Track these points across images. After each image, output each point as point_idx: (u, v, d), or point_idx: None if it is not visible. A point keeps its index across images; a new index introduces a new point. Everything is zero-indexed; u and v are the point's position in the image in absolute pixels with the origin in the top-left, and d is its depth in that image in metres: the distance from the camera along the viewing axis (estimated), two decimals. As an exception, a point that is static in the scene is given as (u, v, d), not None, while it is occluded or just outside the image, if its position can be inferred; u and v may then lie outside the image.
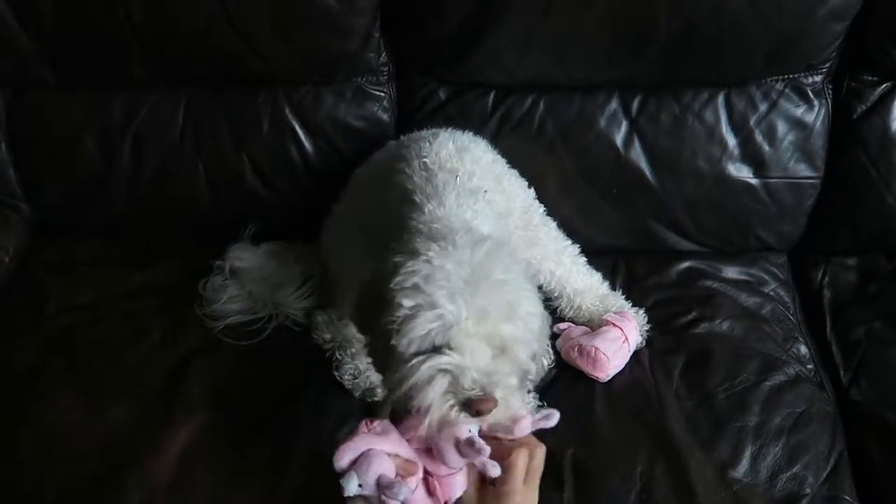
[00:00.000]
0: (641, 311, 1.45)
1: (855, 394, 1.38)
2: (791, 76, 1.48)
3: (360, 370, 1.38)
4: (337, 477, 1.02)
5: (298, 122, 1.55)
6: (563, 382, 1.36)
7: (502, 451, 0.95)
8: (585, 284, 1.46)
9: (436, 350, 0.93)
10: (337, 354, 1.41)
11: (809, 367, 1.41)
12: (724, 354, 1.39)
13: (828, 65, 1.47)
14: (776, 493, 1.22)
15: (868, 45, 1.44)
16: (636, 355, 1.40)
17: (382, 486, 0.92)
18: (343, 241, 1.46)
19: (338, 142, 1.57)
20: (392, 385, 0.99)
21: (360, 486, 0.93)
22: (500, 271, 0.95)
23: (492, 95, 1.54)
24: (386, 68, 1.55)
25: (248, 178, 1.59)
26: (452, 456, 0.95)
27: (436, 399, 0.93)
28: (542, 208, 1.45)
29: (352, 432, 0.96)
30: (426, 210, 1.15)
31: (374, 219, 1.35)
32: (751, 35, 1.40)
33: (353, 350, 1.40)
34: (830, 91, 1.50)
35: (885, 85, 1.47)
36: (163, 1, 1.43)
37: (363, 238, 1.37)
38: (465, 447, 0.93)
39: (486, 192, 1.24)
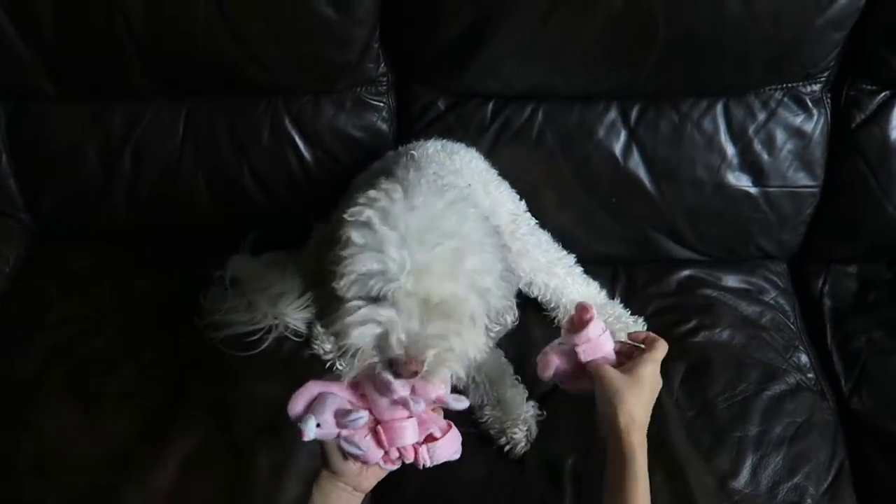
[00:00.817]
0: (641, 320, 1.45)
1: (856, 403, 1.37)
2: (790, 85, 1.49)
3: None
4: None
5: (298, 131, 1.56)
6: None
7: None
8: (582, 294, 1.46)
9: (373, 300, 0.92)
10: (337, 364, 1.41)
11: (810, 376, 1.40)
12: (725, 363, 1.39)
13: (826, 73, 1.47)
14: (777, 504, 1.22)
15: (866, 53, 1.44)
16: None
17: (339, 416, 0.93)
18: None
19: (337, 151, 1.57)
20: (328, 325, 0.99)
21: (318, 425, 0.93)
22: (454, 222, 0.93)
23: (491, 105, 1.54)
24: (385, 78, 1.55)
25: (247, 187, 1.59)
26: (380, 401, 0.95)
27: (363, 349, 0.93)
28: (532, 220, 1.44)
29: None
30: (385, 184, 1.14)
31: None
32: (749, 44, 1.40)
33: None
34: (829, 100, 1.50)
35: (883, 94, 1.47)
36: (163, 12, 1.43)
37: None
38: (380, 385, 0.93)
39: (469, 185, 1.23)
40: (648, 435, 1.28)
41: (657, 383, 1.06)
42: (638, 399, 1.02)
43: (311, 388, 0.96)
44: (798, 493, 1.23)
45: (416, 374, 0.92)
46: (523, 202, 1.44)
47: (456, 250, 0.92)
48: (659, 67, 1.44)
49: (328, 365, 1.43)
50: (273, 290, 1.51)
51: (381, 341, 0.92)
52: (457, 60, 1.48)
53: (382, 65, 1.53)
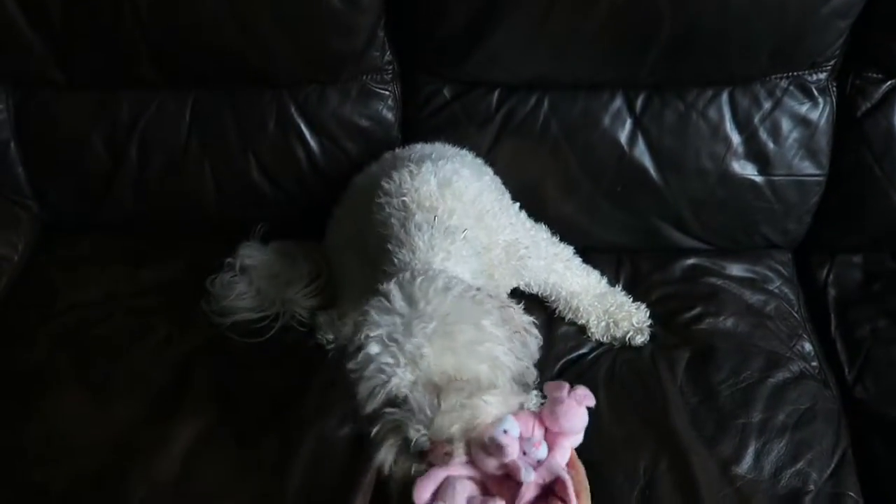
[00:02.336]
0: (643, 307, 1.45)
1: (859, 391, 1.37)
2: (795, 74, 1.48)
3: None
4: (343, 481, 1.03)
5: (304, 120, 1.56)
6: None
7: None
8: (581, 285, 1.46)
9: (387, 404, 0.94)
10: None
11: (814, 364, 1.40)
12: (729, 351, 1.39)
13: (832, 62, 1.47)
14: (780, 490, 1.22)
15: (872, 42, 1.44)
16: (640, 350, 1.41)
17: None
18: (341, 246, 1.47)
19: (343, 140, 1.57)
20: None
21: None
22: (434, 305, 0.94)
23: (496, 94, 1.54)
24: (391, 67, 1.56)
25: (253, 176, 1.60)
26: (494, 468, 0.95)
27: (389, 461, 0.95)
28: (528, 223, 1.40)
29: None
30: (395, 259, 1.14)
31: (366, 236, 1.34)
32: (755, 33, 1.40)
33: None
34: (835, 88, 1.50)
35: (889, 82, 1.46)
36: (170, 2, 1.44)
37: (360, 243, 1.38)
38: (492, 448, 0.92)
39: (465, 231, 1.19)
40: (653, 421, 1.29)
41: None
42: None
43: (437, 474, 0.94)
44: (801, 479, 1.23)
45: (448, 455, 0.92)
46: (523, 213, 1.40)
47: (444, 330, 0.93)
48: (664, 56, 1.44)
49: (331, 354, 1.43)
50: (282, 278, 1.53)
51: (406, 446, 0.93)
52: (462, 49, 1.48)
53: (388, 53, 1.54)
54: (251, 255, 1.55)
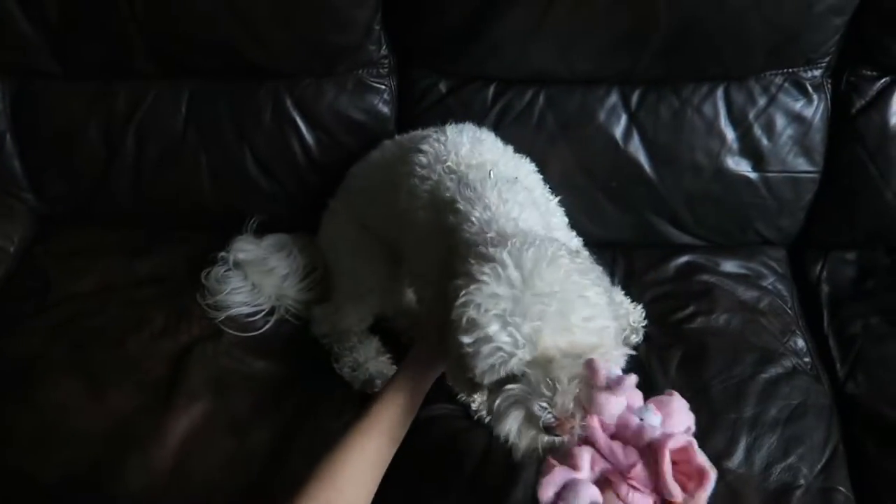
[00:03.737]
0: (639, 307, 1.46)
1: (851, 387, 1.38)
2: (790, 70, 1.48)
3: (358, 363, 1.40)
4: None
5: (300, 113, 1.56)
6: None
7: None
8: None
9: (507, 379, 0.94)
10: (335, 347, 1.42)
11: (806, 360, 1.41)
12: (721, 347, 1.40)
13: (827, 59, 1.47)
14: (770, 484, 1.23)
15: (867, 39, 1.44)
16: (633, 349, 1.41)
17: None
18: (340, 238, 1.48)
19: (339, 133, 1.58)
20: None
21: None
22: (548, 280, 0.94)
23: (492, 88, 1.54)
24: (387, 61, 1.56)
25: (249, 169, 1.60)
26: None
27: (513, 433, 0.95)
28: (578, 240, 1.38)
29: (545, 468, 0.92)
30: (473, 218, 1.11)
31: (382, 222, 1.35)
32: (750, 29, 1.40)
33: (351, 343, 1.42)
34: (829, 85, 1.50)
35: (883, 80, 1.47)
36: (166, -6, 1.45)
37: (357, 233, 1.38)
38: (614, 384, 0.91)
39: (516, 178, 1.22)
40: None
41: None
42: None
43: (558, 475, 0.90)
44: (791, 474, 1.23)
45: (573, 428, 0.92)
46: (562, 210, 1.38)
47: (559, 309, 0.93)
48: (660, 52, 1.44)
49: (327, 347, 1.44)
50: (277, 272, 1.53)
51: (528, 417, 0.94)
52: (458, 44, 1.49)
53: (384, 47, 1.54)
54: (245, 248, 1.55)
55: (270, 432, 1.32)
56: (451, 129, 1.31)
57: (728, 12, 1.38)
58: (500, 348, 0.92)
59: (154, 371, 1.41)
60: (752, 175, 1.53)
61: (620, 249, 1.60)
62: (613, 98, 1.52)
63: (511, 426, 0.94)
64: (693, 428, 0.98)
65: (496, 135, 1.47)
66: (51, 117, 1.62)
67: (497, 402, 0.95)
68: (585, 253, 1.14)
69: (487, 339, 0.92)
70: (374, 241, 1.43)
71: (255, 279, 1.52)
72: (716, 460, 1.22)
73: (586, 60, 1.49)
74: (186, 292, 1.52)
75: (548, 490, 0.89)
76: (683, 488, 0.88)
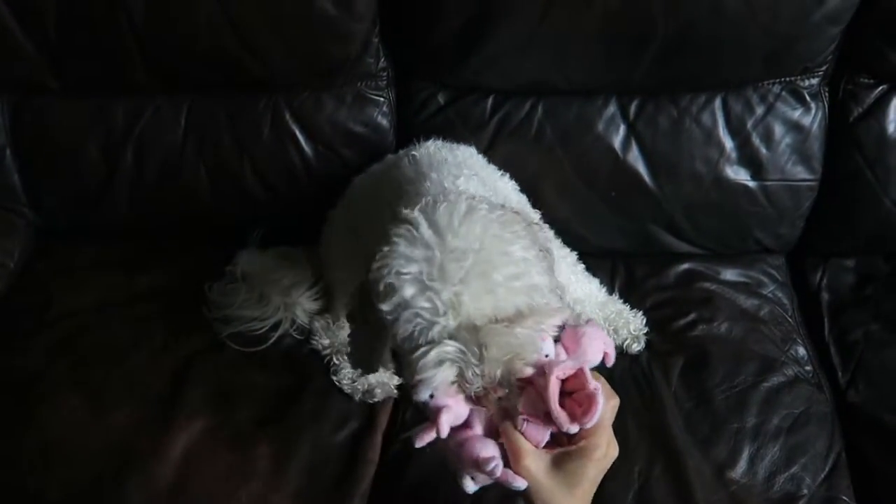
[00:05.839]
0: (640, 314, 1.46)
1: (853, 395, 1.38)
2: (788, 79, 1.49)
3: (357, 374, 1.40)
4: (339, 486, 1.03)
5: (299, 126, 1.57)
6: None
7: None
8: (584, 292, 1.45)
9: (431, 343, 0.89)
10: (335, 359, 1.42)
11: (808, 368, 1.41)
12: (723, 356, 1.40)
13: (824, 67, 1.47)
14: (773, 494, 1.22)
15: (864, 47, 1.44)
16: (635, 356, 1.41)
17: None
18: (333, 245, 1.48)
19: (338, 146, 1.58)
20: (370, 360, 1.02)
21: None
22: (463, 237, 0.89)
23: (490, 99, 1.54)
24: (385, 73, 1.56)
25: (249, 182, 1.60)
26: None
27: (434, 386, 0.89)
28: (537, 214, 1.38)
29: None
30: (411, 192, 1.14)
31: (363, 220, 1.34)
32: (748, 38, 1.41)
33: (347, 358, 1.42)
34: (827, 94, 1.50)
35: (881, 87, 1.47)
36: (165, 7, 1.45)
37: (350, 241, 1.38)
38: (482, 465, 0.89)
39: (475, 174, 1.23)
40: (647, 426, 1.29)
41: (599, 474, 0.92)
42: None
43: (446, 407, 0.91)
44: (795, 484, 1.23)
45: (500, 397, 0.90)
46: (524, 196, 1.42)
47: (480, 269, 0.88)
48: (657, 62, 1.44)
49: (326, 360, 1.43)
50: (285, 282, 1.52)
51: (459, 381, 0.89)
52: (456, 55, 1.49)
53: (382, 60, 1.54)
54: (250, 261, 1.55)
55: (272, 446, 1.31)
56: (434, 140, 1.38)
57: (725, 21, 1.38)
58: (418, 314, 0.87)
59: (155, 386, 1.40)
60: (751, 183, 1.53)
61: (620, 258, 1.60)
62: (611, 108, 1.53)
63: (437, 380, 0.88)
64: (612, 356, 0.96)
65: (496, 147, 1.49)
66: (50, 132, 1.62)
67: (431, 353, 0.87)
68: (535, 217, 1.13)
69: (404, 303, 0.88)
70: (362, 247, 1.41)
71: (262, 290, 1.51)
72: (719, 470, 1.24)
73: (583, 70, 1.50)
74: (187, 306, 1.51)
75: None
76: (573, 417, 0.87)
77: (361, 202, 1.42)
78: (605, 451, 0.89)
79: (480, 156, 1.44)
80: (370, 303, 0.94)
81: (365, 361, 1.07)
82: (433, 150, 1.35)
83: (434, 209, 0.92)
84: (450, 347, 0.87)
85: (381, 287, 0.90)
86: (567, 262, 1.44)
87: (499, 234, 0.91)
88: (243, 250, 1.56)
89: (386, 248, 0.90)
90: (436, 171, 1.21)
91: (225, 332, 1.48)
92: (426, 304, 0.87)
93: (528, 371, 0.89)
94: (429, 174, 1.20)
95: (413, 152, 1.34)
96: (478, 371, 0.87)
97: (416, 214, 0.92)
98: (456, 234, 0.89)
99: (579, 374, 0.89)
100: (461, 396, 0.91)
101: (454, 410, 0.91)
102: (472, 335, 0.87)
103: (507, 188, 1.37)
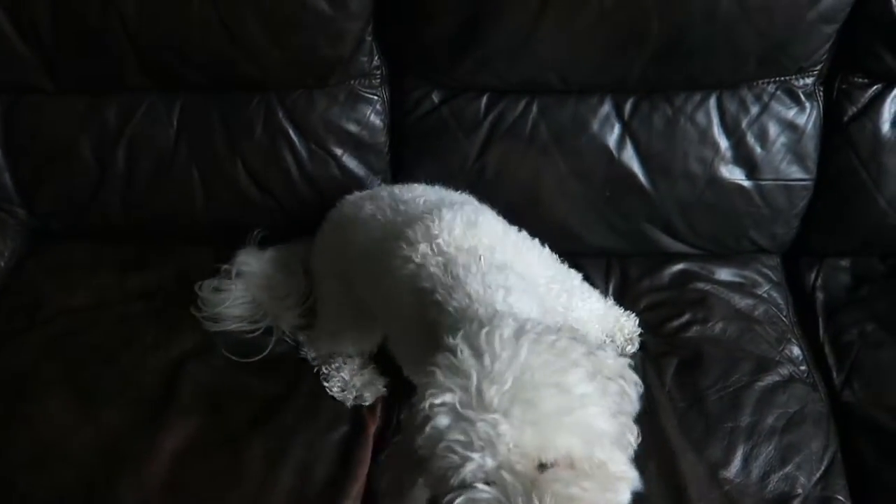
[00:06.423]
0: (633, 316, 1.45)
1: (848, 395, 1.37)
2: (782, 78, 1.49)
3: (346, 381, 1.40)
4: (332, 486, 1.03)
5: (291, 125, 1.56)
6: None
7: None
8: (586, 310, 1.39)
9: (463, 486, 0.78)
10: (323, 369, 1.42)
11: (802, 368, 1.41)
12: (717, 356, 1.40)
13: (818, 67, 1.48)
14: (767, 494, 1.22)
15: (858, 47, 1.44)
16: (629, 358, 1.40)
17: None
18: (324, 274, 1.44)
19: (331, 145, 1.57)
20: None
21: None
22: (507, 362, 0.79)
23: (485, 98, 1.54)
24: (379, 72, 1.56)
25: (241, 181, 1.59)
26: None
27: None
28: (554, 257, 1.31)
29: None
30: (451, 308, 1.00)
31: (367, 291, 1.27)
32: (742, 38, 1.41)
33: (337, 364, 1.41)
34: (821, 93, 1.50)
35: (875, 87, 1.47)
36: (157, 7, 1.44)
37: (344, 287, 1.35)
38: None
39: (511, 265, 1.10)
40: (642, 425, 1.28)
41: None
42: None
43: None
44: (789, 483, 1.23)
45: None
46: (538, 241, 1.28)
47: (522, 395, 0.78)
48: (652, 61, 1.44)
49: (315, 370, 1.43)
50: (278, 290, 1.51)
51: None
52: (450, 54, 1.49)
53: (376, 58, 1.54)
54: (248, 261, 1.53)
55: (264, 447, 1.31)
56: (447, 210, 1.17)
57: (719, 21, 1.38)
58: (451, 448, 0.77)
59: (147, 386, 1.39)
60: (746, 183, 1.53)
61: (615, 258, 1.60)
62: (606, 107, 1.52)
63: None
64: None
65: (490, 147, 1.48)
66: (42, 132, 1.61)
67: (459, 499, 0.77)
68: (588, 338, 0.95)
69: (438, 435, 0.78)
70: (354, 297, 1.34)
71: (255, 293, 1.50)
72: (713, 470, 1.24)
73: (578, 69, 1.49)
74: (179, 306, 1.50)
75: None
76: None
77: (351, 251, 1.33)
78: None
79: (496, 217, 1.25)
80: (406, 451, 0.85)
81: (391, 496, 0.94)
82: (458, 235, 1.12)
83: (477, 335, 0.83)
84: (485, 494, 0.76)
85: (417, 421, 0.81)
86: (567, 286, 1.33)
87: (548, 359, 0.81)
88: (242, 249, 1.55)
89: (424, 380, 0.83)
90: (474, 278, 1.03)
91: (213, 329, 1.47)
92: (460, 437, 0.77)
93: None
94: (465, 281, 1.02)
95: (437, 234, 1.12)
96: None
97: (457, 341, 0.84)
98: (497, 357, 0.80)
99: None
100: None
101: None
102: (518, 480, 0.75)
103: (532, 256, 1.22)
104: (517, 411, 0.76)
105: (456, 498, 0.76)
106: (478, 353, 0.81)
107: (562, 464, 0.77)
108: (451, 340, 0.84)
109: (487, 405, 0.77)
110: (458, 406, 0.78)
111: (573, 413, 0.78)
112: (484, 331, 0.83)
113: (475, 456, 0.76)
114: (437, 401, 0.79)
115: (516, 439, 0.76)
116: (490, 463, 0.76)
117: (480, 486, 0.76)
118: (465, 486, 0.77)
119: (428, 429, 0.79)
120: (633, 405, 0.90)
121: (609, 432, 0.82)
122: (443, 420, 0.78)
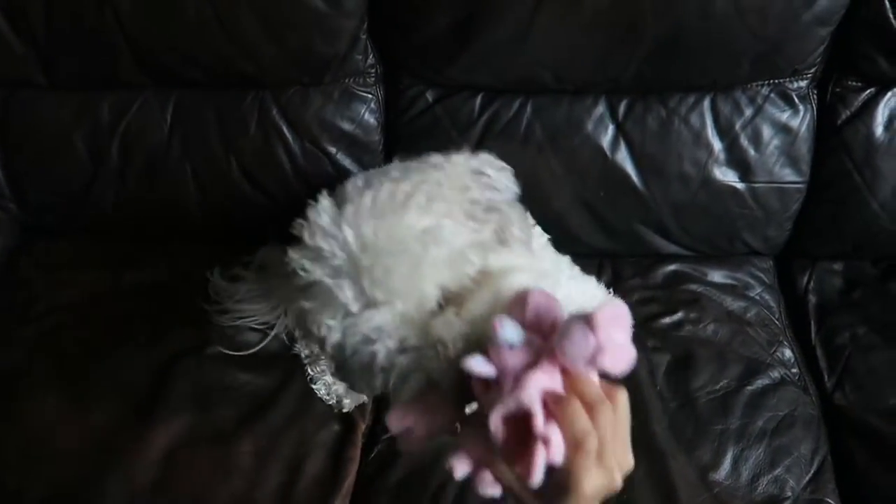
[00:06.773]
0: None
1: (839, 398, 1.38)
2: (776, 81, 1.49)
3: (329, 384, 1.40)
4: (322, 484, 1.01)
5: (286, 123, 1.55)
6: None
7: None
8: (584, 297, 1.40)
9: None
10: (309, 370, 1.42)
11: (794, 370, 1.41)
12: (708, 357, 1.40)
13: (813, 70, 1.47)
14: (757, 496, 1.23)
15: (852, 50, 1.44)
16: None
17: None
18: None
19: (325, 142, 1.56)
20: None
21: None
22: (381, 243, 0.79)
23: (479, 98, 1.54)
24: (374, 70, 1.55)
25: (235, 178, 1.59)
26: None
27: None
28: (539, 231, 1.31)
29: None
30: None
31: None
32: (737, 39, 1.40)
33: (320, 368, 1.41)
34: (815, 96, 1.50)
35: (869, 90, 1.47)
36: (152, 3, 1.43)
37: None
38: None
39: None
40: (631, 427, 1.28)
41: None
42: None
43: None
44: (778, 486, 1.23)
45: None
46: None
47: (390, 269, 0.78)
48: (646, 62, 1.44)
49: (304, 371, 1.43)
50: (291, 286, 1.49)
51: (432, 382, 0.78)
52: (445, 53, 1.48)
53: (371, 56, 1.53)
54: (271, 255, 1.51)
55: (254, 443, 1.31)
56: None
57: (713, 22, 1.38)
58: (357, 352, 0.80)
59: (137, 384, 1.39)
60: (739, 185, 1.52)
61: (607, 258, 1.60)
62: (601, 108, 1.52)
63: (405, 394, 0.78)
64: (588, 351, 0.71)
65: (484, 146, 1.47)
66: (35, 127, 1.60)
67: (395, 369, 0.78)
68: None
69: (341, 353, 0.82)
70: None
71: (271, 282, 1.47)
72: (702, 472, 1.24)
73: (573, 69, 1.49)
74: (172, 304, 1.50)
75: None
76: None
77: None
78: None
79: None
80: None
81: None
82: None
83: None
84: (403, 359, 0.78)
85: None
86: (566, 273, 1.29)
87: (385, 223, 0.81)
88: (264, 247, 1.52)
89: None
90: None
91: (223, 322, 1.45)
92: (348, 293, 0.80)
93: (484, 369, 0.72)
94: None
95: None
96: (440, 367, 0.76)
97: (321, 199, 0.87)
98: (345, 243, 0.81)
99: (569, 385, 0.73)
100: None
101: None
102: (424, 341, 0.77)
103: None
104: (380, 295, 0.78)
105: (395, 386, 0.79)
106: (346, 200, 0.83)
107: (449, 300, 0.79)
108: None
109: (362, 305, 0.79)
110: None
111: (428, 254, 0.78)
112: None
113: (378, 347, 0.79)
114: (330, 322, 0.83)
115: (397, 317, 0.78)
116: (391, 344, 0.79)
117: (399, 359, 0.78)
118: (386, 370, 0.80)
119: (329, 349, 0.83)
120: (507, 191, 0.89)
121: (479, 239, 0.82)
122: (335, 335, 0.82)
